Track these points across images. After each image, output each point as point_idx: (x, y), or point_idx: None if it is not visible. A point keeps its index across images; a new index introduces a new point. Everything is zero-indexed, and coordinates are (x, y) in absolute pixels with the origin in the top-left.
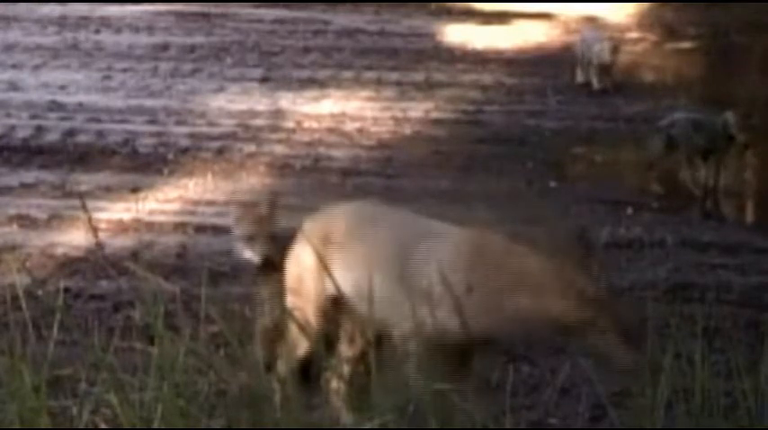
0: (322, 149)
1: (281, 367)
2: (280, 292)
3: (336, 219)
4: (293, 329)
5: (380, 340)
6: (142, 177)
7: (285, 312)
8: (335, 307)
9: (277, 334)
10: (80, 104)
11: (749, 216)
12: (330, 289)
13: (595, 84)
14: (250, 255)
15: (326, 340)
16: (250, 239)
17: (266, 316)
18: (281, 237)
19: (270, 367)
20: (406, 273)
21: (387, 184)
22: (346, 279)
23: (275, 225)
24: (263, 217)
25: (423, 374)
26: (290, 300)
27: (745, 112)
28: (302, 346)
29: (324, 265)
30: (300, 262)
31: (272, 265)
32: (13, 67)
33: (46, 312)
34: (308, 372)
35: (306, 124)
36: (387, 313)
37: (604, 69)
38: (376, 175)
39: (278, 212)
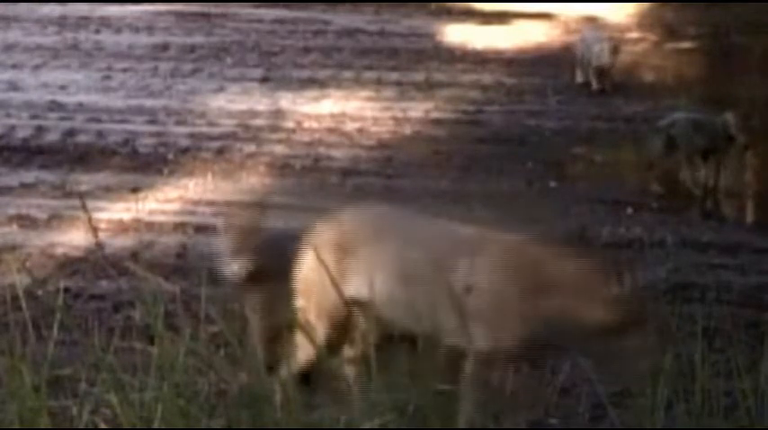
0: (322, 149)
1: (284, 370)
2: (272, 300)
3: (354, 223)
4: (299, 334)
5: (383, 341)
6: (142, 177)
7: (293, 316)
8: (353, 311)
9: (277, 336)
10: (80, 104)
11: (749, 216)
12: (351, 293)
13: (595, 84)
14: (237, 267)
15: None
16: (237, 252)
17: (266, 320)
18: (268, 246)
19: (271, 368)
20: (445, 277)
21: (387, 184)
22: (370, 284)
23: (260, 236)
24: (249, 228)
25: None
26: (299, 304)
27: (745, 113)
28: (307, 351)
29: (340, 271)
30: (313, 266)
31: (258, 277)
32: (13, 67)
33: (46, 312)
34: (310, 376)
35: (306, 124)
36: (425, 318)
37: (604, 70)
38: (376, 175)
39: (263, 223)
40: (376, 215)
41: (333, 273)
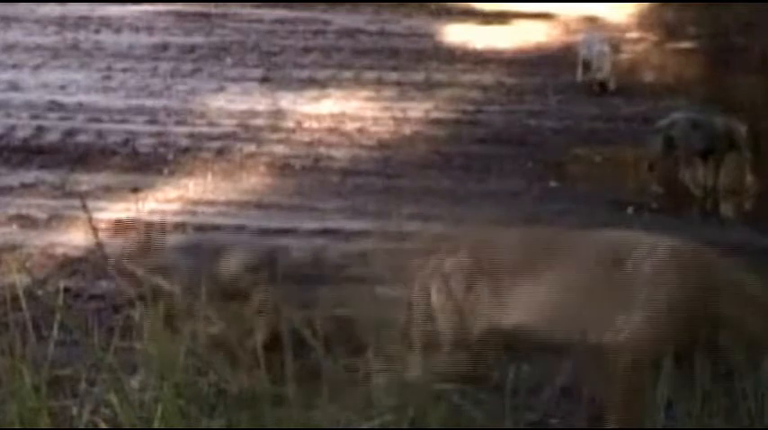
0: (322, 149)
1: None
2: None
3: (488, 249)
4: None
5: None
6: (142, 177)
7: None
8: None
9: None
10: (80, 104)
11: (749, 216)
12: (496, 321)
13: (595, 85)
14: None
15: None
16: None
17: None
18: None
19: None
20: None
21: (387, 184)
22: (525, 305)
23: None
24: (146, 248)
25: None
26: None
27: (747, 116)
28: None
29: (473, 300)
30: (438, 293)
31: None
32: (13, 67)
33: (46, 312)
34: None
35: (306, 124)
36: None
37: (604, 71)
38: (376, 175)
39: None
40: (508, 240)
41: (463, 301)
